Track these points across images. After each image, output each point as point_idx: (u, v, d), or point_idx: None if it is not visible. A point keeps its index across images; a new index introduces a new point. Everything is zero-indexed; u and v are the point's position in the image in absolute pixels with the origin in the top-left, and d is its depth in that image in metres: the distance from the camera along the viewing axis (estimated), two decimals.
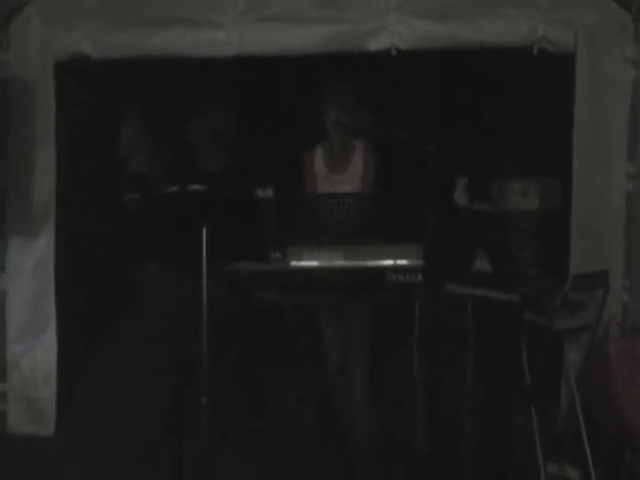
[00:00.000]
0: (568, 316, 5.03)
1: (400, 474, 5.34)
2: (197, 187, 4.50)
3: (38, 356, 5.87)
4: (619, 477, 5.02)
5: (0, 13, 5.72)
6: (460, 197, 5.52)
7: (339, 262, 4.71)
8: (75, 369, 6.18)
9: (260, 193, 4.77)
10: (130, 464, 5.37)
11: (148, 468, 5.27)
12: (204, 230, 4.47)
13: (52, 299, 5.83)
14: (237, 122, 7.58)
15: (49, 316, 5.83)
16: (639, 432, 5.05)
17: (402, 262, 4.70)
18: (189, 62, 5.81)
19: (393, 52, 5.67)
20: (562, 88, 5.66)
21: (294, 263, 4.71)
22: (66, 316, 5.91)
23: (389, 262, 4.70)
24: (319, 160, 5.37)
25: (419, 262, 4.69)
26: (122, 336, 6.91)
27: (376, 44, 5.67)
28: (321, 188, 5.33)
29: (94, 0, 5.72)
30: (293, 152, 5.52)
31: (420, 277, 4.68)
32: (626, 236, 5.60)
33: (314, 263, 4.72)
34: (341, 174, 5.33)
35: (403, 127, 5.01)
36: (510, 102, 6.72)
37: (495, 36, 5.61)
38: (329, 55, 5.65)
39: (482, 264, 5.28)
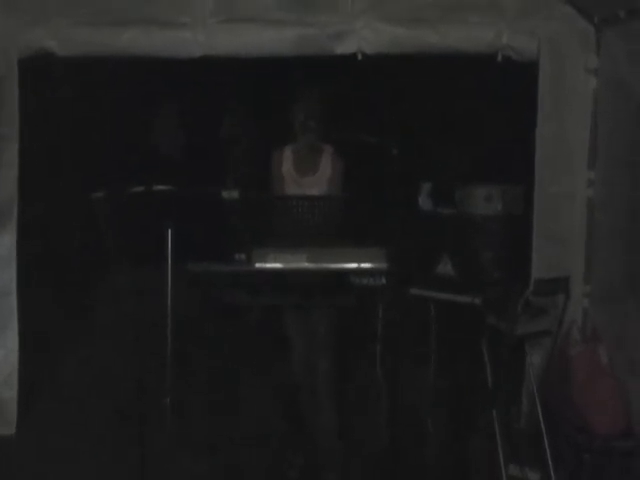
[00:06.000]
0: (529, 321, 5.08)
1: (362, 473, 5.36)
2: (162, 187, 4.50)
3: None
4: (579, 479, 5.08)
5: None
6: (424, 201, 5.55)
7: (303, 264, 4.70)
8: (37, 369, 6.11)
9: (225, 194, 4.76)
10: (92, 464, 5.32)
11: (110, 467, 5.24)
12: (169, 230, 4.48)
13: (14, 298, 5.75)
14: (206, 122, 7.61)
15: (11, 315, 5.75)
16: (598, 435, 5.13)
17: (366, 265, 4.69)
18: (156, 61, 5.79)
19: (359, 56, 5.71)
20: (525, 95, 5.73)
21: (258, 265, 4.69)
22: (28, 315, 5.85)
23: (353, 265, 4.69)
24: (287, 161, 5.36)
25: (383, 265, 4.69)
26: (85, 335, 6.86)
27: (343, 48, 5.69)
28: (288, 190, 5.32)
29: None
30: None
31: (384, 280, 4.68)
32: (587, 242, 5.69)
33: (278, 265, 4.70)
34: (309, 177, 5.33)
35: (369, 131, 5.05)
36: (474, 108, 6.78)
37: (461, 42, 5.67)
38: (298, 58, 5.67)
39: (445, 268, 5.31)
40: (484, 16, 5.65)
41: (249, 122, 7.85)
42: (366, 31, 5.67)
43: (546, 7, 5.66)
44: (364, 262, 4.69)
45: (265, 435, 5.65)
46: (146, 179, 4.55)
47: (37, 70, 5.77)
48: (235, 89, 7.69)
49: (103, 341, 6.68)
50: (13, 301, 5.76)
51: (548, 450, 5.02)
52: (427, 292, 5.21)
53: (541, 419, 5.10)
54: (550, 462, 5.01)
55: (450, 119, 6.86)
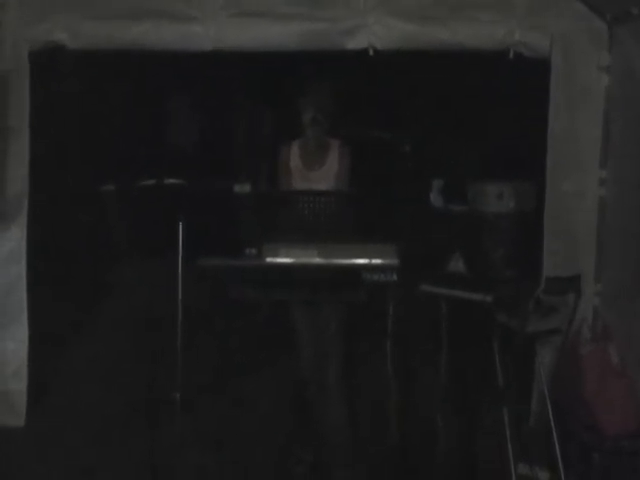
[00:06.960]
0: (540, 319, 5.06)
1: (371, 469, 5.32)
2: (174, 181, 4.49)
3: (9, 348, 5.78)
4: (588, 479, 5.07)
5: None
6: (436, 198, 5.53)
7: (314, 260, 4.69)
8: (46, 361, 6.11)
9: (237, 188, 4.75)
10: (101, 457, 5.30)
11: (119, 461, 5.22)
12: (180, 224, 4.46)
13: (24, 291, 5.75)
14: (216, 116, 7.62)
15: (21, 308, 5.76)
16: (608, 434, 5.12)
17: (377, 261, 4.68)
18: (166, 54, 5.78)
19: (371, 52, 5.70)
20: (538, 93, 5.72)
21: (269, 259, 4.68)
22: (38, 308, 5.84)
23: (364, 261, 4.68)
24: (295, 156, 5.36)
25: (394, 261, 4.67)
26: (95, 329, 6.85)
27: (353, 43, 5.69)
28: (296, 184, 5.31)
29: None
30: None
31: (395, 276, 4.67)
32: (598, 241, 5.68)
33: (289, 260, 4.69)
34: (316, 171, 5.32)
35: (381, 127, 5.04)
36: (485, 105, 6.78)
37: (471, 39, 5.66)
38: (308, 53, 5.66)
39: (457, 265, 5.30)
40: (494, 14, 5.64)
41: (258, 116, 7.85)
42: (377, 27, 5.66)
43: (556, 5, 5.64)
44: (375, 258, 4.68)
45: (273, 430, 5.64)
46: (156, 172, 4.54)
47: (45, 64, 5.76)
48: (244, 83, 7.69)
49: (113, 335, 6.68)
50: (23, 294, 5.76)
51: (558, 449, 5.01)
52: (438, 289, 5.19)
53: (551, 418, 5.07)
54: (560, 461, 4.99)
55: (461, 116, 6.85)
